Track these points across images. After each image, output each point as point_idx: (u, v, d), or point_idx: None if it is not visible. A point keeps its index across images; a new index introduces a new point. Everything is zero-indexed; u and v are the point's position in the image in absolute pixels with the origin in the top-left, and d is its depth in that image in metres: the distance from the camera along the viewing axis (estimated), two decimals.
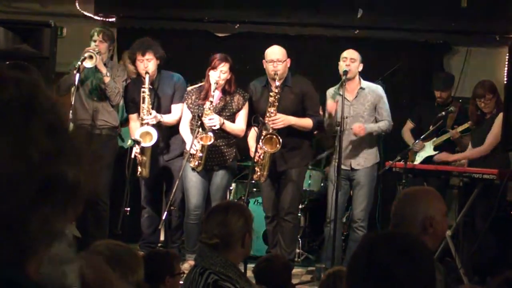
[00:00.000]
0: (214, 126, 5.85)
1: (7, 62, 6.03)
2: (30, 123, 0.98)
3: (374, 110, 6.24)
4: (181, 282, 3.61)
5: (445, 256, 6.32)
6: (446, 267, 6.30)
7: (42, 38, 6.14)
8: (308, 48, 7.93)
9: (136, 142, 6.02)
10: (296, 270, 6.16)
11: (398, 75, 7.67)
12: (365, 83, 6.29)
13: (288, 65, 6.11)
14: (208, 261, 3.11)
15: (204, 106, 5.90)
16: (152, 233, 6.46)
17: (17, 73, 1.00)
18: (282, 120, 5.92)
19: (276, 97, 5.93)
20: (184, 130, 6.16)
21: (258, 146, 5.82)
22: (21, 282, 1.00)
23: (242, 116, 6.11)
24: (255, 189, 6.86)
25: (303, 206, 7.06)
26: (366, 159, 6.22)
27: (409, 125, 7.09)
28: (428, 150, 6.75)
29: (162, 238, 6.85)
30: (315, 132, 6.62)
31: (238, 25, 8.05)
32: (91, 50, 6.13)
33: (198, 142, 5.87)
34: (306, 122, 6.09)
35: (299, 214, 6.78)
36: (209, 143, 5.84)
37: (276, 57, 6.01)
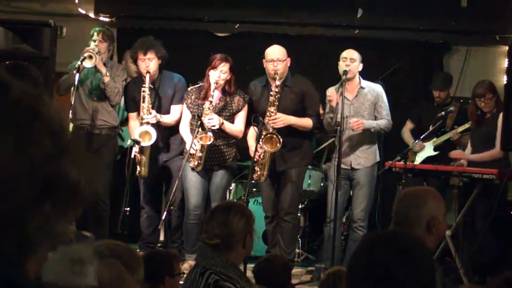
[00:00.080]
0: (214, 126, 5.85)
1: (7, 62, 6.06)
2: (33, 126, 1.00)
3: (374, 109, 6.24)
4: (181, 282, 3.61)
5: (445, 256, 6.33)
6: (446, 267, 6.32)
7: (42, 38, 6.14)
8: (308, 48, 7.93)
9: (136, 142, 6.03)
10: (296, 270, 6.16)
11: (398, 75, 7.67)
12: (365, 83, 6.29)
13: (288, 65, 6.11)
14: (209, 261, 3.11)
15: (204, 106, 5.90)
16: (151, 233, 6.46)
17: (22, 82, 1.03)
18: (282, 119, 5.92)
19: (276, 96, 5.93)
20: (184, 130, 6.16)
21: (258, 145, 5.82)
22: (20, 281, 1.00)
23: (241, 117, 6.11)
24: (254, 189, 6.86)
25: (302, 206, 7.06)
26: (367, 159, 6.22)
27: (408, 125, 7.09)
28: (428, 150, 6.75)
29: (161, 238, 6.85)
30: (315, 131, 6.62)
31: (238, 25, 8.05)
32: (90, 50, 6.13)
33: (198, 142, 5.87)
34: (306, 122, 6.09)
35: (299, 214, 6.77)
36: (208, 143, 5.84)
37: (276, 57, 6.01)
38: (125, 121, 6.83)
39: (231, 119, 6.09)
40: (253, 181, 6.11)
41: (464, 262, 5.99)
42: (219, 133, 5.99)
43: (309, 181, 6.96)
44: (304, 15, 7.87)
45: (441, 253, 5.98)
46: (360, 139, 6.21)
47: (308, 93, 6.17)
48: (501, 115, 5.71)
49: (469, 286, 5.36)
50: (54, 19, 6.41)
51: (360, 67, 6.21)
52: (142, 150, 6.06)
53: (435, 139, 6.72)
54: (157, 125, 6.13)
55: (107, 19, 8.00)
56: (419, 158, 6.74)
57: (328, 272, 3.59)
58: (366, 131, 6.15)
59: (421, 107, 7.12)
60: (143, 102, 6.07)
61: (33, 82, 5.99)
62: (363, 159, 6.22)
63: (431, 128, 6.44)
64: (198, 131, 5.84)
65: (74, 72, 6.05)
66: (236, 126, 6.09)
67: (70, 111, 6.09)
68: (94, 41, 6.34)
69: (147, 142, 6.04)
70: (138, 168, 6.12)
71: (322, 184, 7.13)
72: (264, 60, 6.10)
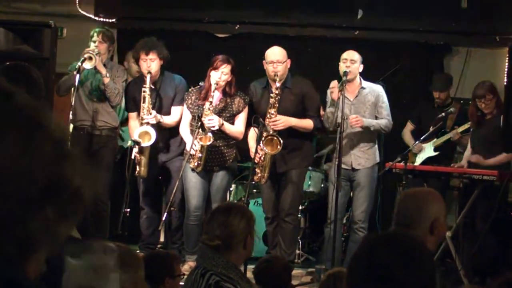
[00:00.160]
0: (213, 126, 5.85)
1: (7, 63, 6.06)
2: (35, 132, 1.03)
3: (375, 110, 6.24)
4: (181, 283, 3.60)
5: (445, 257, 6.32)
6: (446, 268, 6.32)
7: (42, 39, 6.14)
8: (308, 49, 7.93)
9: (136, 143, 6.03)
10: (296, 271, 6.15)
11: (399, 76, 7.67)
12: (366, 83, 6.29)
13: (288, 66, 6.11)
14: (209, 262, 3.11)
15: (204, 107, 5.91)
16: (151, 234, 6.46)
17: (25, 93, 1.08)
18: (282, 121, 5.92)
19: (277, 98, 5.92)
20: (184, 131, 6.16)
21: (259, 147, 5.81)
22: (20, 281, 1.01)
23: (241, 119, 6.11)
24: (255, 190, 6.86)
25: (303, 207, 7.06)
26: (367, 159, 6.22)
27: (409, 126, 7.09)
28: (428, 151, 6.75)
29: (162, 239, 6.84)
30: (316, 132, 6.62)
31: (238, 25, 8.05)
32: (90, 51, 6.12)
33: (198, 142, 5.87)
34: (307, 123, 6.09)
35: (299, 215, 6.77)
36: (208, 143, 5.85)
37: (276, 58, 6.01)
38: (125, 121, 6.83)
39: (231, 120, 6.09)
40: (253, 182, 6.11)
41: (465, 263, 5.99)
42: (219, 134, 5.99)
43: (309, 182, 6.95)
44: (304, 16, 7.87)
45: (441, 254, 5.97)
46: (360, 139, 6.21)
47: (309, 94, 6.17)
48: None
49: (469, 287, 5.36)
50: (54, 20, 6.41)
51: (361, 68, 6.21)
52: (141, 150, 6.06)
53: (435, 139, 6.72)
54: (157, 126, 6.13)
55: (107, 20, 8.00)
56: (419, 159, 6.74)
57: (328, 273, 3.59)
58: (366, 130, 6.15)
59: (421, 108, 7.11)
60: (144, 102, 6.07)
61: (33, 83, 6.01)
62: (364, 159, 6.22)
63: (431, 129, 6.44)
64: (198, 132, 5.84)
65: (75, 73, 6.04)
66: (236, 128, 6.09)
67: (71, 112, 6.09)
68: (94, 42, 6.34)
69: (146, 143, 6.04)
70: (138, 168, 6.12)
71: (322, 185, 7.12)
72: (264, 61, 6.09)
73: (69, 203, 1.05)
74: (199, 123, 5.82)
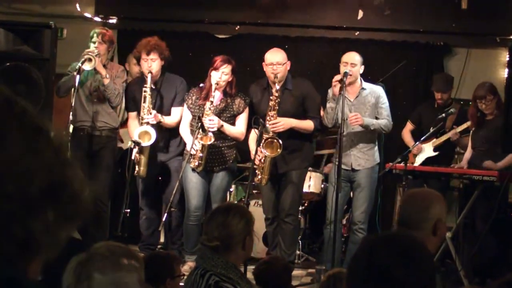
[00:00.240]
0: (212, 127, 5.85)
1: (8, 64, 6.07)
2: (35, 137, 1.05)
3: (375, 111, 6.24)
4: (181, 284, 3.61)
5: (445, 258, 6.33)
6: (446, 269, 6.32)
7: (42, 40, 6.15)
8: (309, 50, 7.92)
9: (136, 143, 6.03)
10: (296, 272, 6.15)
11: (399, 76, 7.66)
12: (366, 84, 6.29)
13: (288, 68, 6.11)
14: (209, 263, 3.12)
15: (205, 106, 5.91)
16: (151, 234, 6.46)
17: (26, 102, 1.10)
18: (282, 124, 5.92)
19: (277, 101, 5.92)
20: (184, 131, 6.17)
21: (259, 149, 5.82)
22: (20, 281, 1.02)
23: (242, 120, 6.11)
24: (255, 191, 6.86)
25: (303, 207, 7.06)
26: (367, 160, 6.22)
27: (409, 126, 7.09)
28: (427, 151, 6.75)
29: (162, 239, 6.84)
30: (316, 134, 6.62)
31: (238, 26, 8.05)
32: (90, 53, 6.11)
33: (199, 142, 5.87)
34: (307, 124, 6.09)
35: (299, 216, 6.77)
36: (209, 142, 5.85)
37: (275, 60, 6.01)
38: (124, 123, 6.83)
39: (232, 120, 6.09)
40: (253, 183, 6.11)
41: (465, 264, 5.99)
42: (220, 134, 6.00)
43: (309, 183, 6.95)
44: (305, 17, 7.87)
45: (441, 255, 5.97)
46: (360, 139, 6.21)
47: (309, 95, 6.17)
48: None
49: None
50: (54, 20, 6.43)
51: (362, 69, 6.20)
52: (141, 150, 6.06)
53: (434, 139, 6.72)
54: (157, 126, 6.14)
55: (107, 21, 8.00)
56: (419, 159, 6.74)
57: (328, 274, 3.59)
58: (366, 131, 6.15)
59: (421, 109, 7.11)
60: (144, 102, 6.08)
61: (34, 83, 6.01)
62: (364, 160, 6.22)
63: (431, 130, 6.44)
64: (198, 132, 5.85)
65: (75, 73, 6.04)
66: (237, 128, 6.09)
67: (71, 113, 6.09)
68: (94, 42, 6.34)
69: (146, 142, 6.04)
70: (137, 168, 6.12)
71: (322, 186, 7.12)
72: (263, 63, 6.09)
73: (69, 206, 1.06)
74: (199, 123, 5.83)
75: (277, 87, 5.91)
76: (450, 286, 5.89)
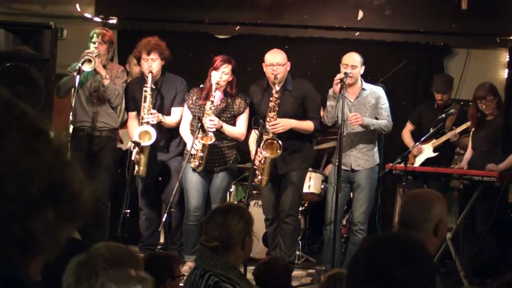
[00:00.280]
0: (213, 128, 5.85)
1: (8, 64, 6.07)
2: (36, 138, 1.06)
3: (375, 112, 6.23)
4: (181, 284, 3.61)
5: (445, 259, 6.32)
6: (446, 269, 6.32)
7: (42, 40, 6.15)
8: (309, 50, 7.93)
9: (136, 143, 6.03)
10: (296, 273, 6.15)
11: (399, 77, 7.67)
12: (366, 85, 6.29)
13: (288, 69, 6.10)
14: (208, 263, 3.12)
15: (205, 106, 5.92)
16: (151, 235, 6.46)
17: (26, 105, 1.11)
18: (282, 125, 5.91)
19: (276, 102, 5.92)
20: (184, 131, 6.17)
21: (259, 150, 5.82)
22: (21, 281, 1.03)
23: (243, 120, 6.11)
24: (255, 192, 6.86)
25: (303, 208, 7.06)
26: (367, 161, 6.22)
27: (409, 127, 7.08)
28: (427, 151, 6.75)
29: (162, 240, 6.84)
30: (316, 134, 6.62)
31: (238, 27, 8.06)
32: (89, 54, 6.10)
33: (199, 141, 5.87)
34: (307, 125, 6.09)
35: (299, 216, 6.77)
36: (210, 142, 5.85)
37: (275, 61, 6.01)
38: (124, 124, 6.83)
39: (232, 121, 6.09)
40: (253, 184, 6.11)
41: (465, 264, 5.99)
42: (220, 134, 6.00)
43: (309, 184, 6.95)
44: (305, 17, 7.87)
45: (441, 256, 5.97)
46: (360, 140, 6.21)
47: (309, 95, 6.17)
48: None
49: None
50: (54, 21, 6.43)
51: (362, 69, 6.20)
52: (141, 149, 6.06)
53: (434, 140, 6.72)
54: (158, 126, 6.13)
55: (107, 21, 8.00)
56: (419, 160, 6.74)
57: (328, 274, 3.59)
58: (366, 131, 6.15)
59: (421, 109, 7.11)
60: (144, 101, 6.08)
61: (34, 84, 6.01)
62: (363, 160, 6.22)
63: (431, 130, 6.44)
64: (198, 132, 5.85)
65: (75, 74, 6.04)
66: (237, 129, 6.09)
67: (71, 113, 6.09)
68: (94, 43, 6.34)
69: (147, 142, 6.04)
70: (136, 168, 6.12)
71: (322, 186, 7.12)
72: (263, 64, 6.09)
73: (69, 206, 1.07)
74: (199, 123, 5.83)
75: (277, 88, 5.91)
76: (450, 286, 5.89)
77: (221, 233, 3.14)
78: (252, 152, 6.05)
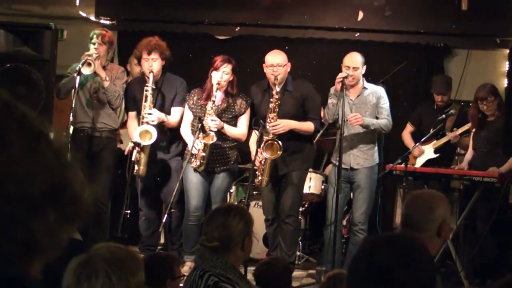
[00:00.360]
0: (214, 128, 5.85)
1: (8, 65, 6.07)
2: (36, 140, 1.07)
3: (375, 111, 6.23)
4: (181, 284, 3.61)
5: (445, 259, 6.32)
6: (446, 270, 6.31)
7: (42, 41, 6.15)
8: (309, 51, 7.93)
9: (136, 144, 6.03)
10: (296, 273, 6.16)
11: (399, 77, 7.67)
12: (367, 84, 6.29)
13: (288, 70, 6.10)
14: (208, 264, 3.12)
15: (207, 106, 5.92)
16: (150, 235, 6.46)
17: (26, 107, 1.12)
18: (282, 126, 5.91)
19: (277, 103, 5.92)
20: (185, 131, 6.17)
21: (259, 150, 5.82)
22: (22, 280, 1.03)
23: (244, 120, 6.11)
24: (255, 192, 6.86)
25: (303, 208, 7.06)
26: (366, 160, 6.22)
27: (409, 128, 7.08)
28: (428, 152, 6.75)
29: (162, 240, 6.84)
30: (316, 136, 6.62)
31: (238, 27, 8.06)
32: (89, 57, 6.09)
33: (201, 141, 5.88)
34: (307, 126, 6.09)
35: (300, 217, 6.77)
36: (211, 142, 5.86)
37: (276, 62, 6.01)
38: (124, 124, 6.83)
39: (233, 121, 6.09)
40: (253, 184, 6.11)
41: (465, 265, 5.99)
42: (222, 135, 6.00)
43: (309, 184, 6.95)
44: (305, 18, 7.87)
45: (442, 256, 5.97)
46: (360, 139, 6.21)
47: (309, 96, 6.17)
48: None
49: None
50: (54, 22, 6.43)
51: (364, 69, 6.20)
52: (142, 149, 6.06)
53: (435, 141, 6.72)
54: (158, 126, 6.13)
55: (107, 22, 8.01)
56: (419, 161, 6.74)
57: (328, 275, 3.59)
58: (366, 131, 6.15)
59: (421, 110, 7.11)
60: (145, 101, 6.08)
61: (34, 85, 6.01)
62: (362, 159, 6.21)
63: (431, 131, 6.44)
64: (199, 132, 5.85)
65: (75, 75, 6.04)
66: (238, 130, 6.09)
67: (71, 114, 6.09)
68: (94, 44, 6.33)
69: (147, 141, 6.04)
70: (136, 167, 6.12)
71: (322, 187, 7.12)
72: (264, 65, 6.09)
73: (70, 207, 1.07)
74: (200, 124, 5.83)
75: (278, 89, 5.91)
76: (451, 287, 5.89)
77: (221, 234, 3.14)
78: (253, 153, 6.06)
